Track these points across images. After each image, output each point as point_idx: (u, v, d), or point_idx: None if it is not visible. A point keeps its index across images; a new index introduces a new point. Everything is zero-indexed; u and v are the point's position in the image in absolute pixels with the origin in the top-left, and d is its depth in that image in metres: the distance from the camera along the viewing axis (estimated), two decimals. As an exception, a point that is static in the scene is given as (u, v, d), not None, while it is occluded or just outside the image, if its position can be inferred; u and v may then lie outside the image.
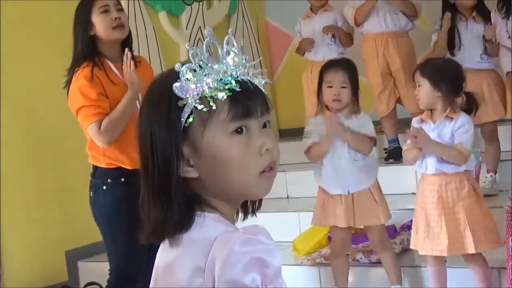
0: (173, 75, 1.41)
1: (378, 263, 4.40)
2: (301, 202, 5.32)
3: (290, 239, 4.89)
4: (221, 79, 1.41)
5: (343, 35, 5.70)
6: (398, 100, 5.53)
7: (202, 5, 6.45)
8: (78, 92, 3.55)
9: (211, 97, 1.38)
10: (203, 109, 1.37)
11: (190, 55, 1.41)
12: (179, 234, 1.40)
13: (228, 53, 1.45)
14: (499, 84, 4.96)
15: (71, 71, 3.64)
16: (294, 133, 6.41)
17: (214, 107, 1.38)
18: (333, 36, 5.67)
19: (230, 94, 1.39)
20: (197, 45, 6.21)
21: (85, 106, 3.55)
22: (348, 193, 4.11)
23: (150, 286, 1.50)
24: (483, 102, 4.60)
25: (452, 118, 3.78)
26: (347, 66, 4.16)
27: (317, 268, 4.64)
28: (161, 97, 1.42)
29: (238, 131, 1.40)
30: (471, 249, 3.73)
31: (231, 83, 1.41)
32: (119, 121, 3.57)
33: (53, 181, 5.17)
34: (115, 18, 3.65)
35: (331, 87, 4.08)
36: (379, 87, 5.48)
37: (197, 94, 1.38)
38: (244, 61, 1.46)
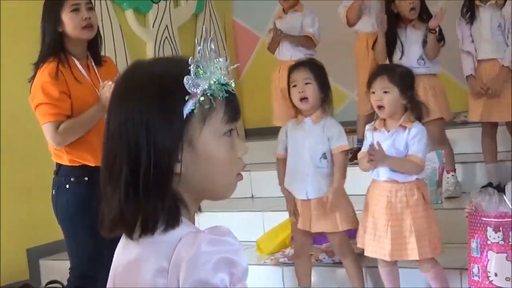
0: (177, 69, 1.40)
1: (340, 263, 4.41)
2: (266, 202, 5.33)
3: (254, 239, 4.89)
4: (219, 79, 1.42)
5: (299, 41, 5.65)
6: None
7: (169, 4, 6.44)
8: (40, 88, 3.52)
9: (212, 95, 1.39)
10: (205, 106, 1.38)
11: (198, 52, 1.40)
12: (167, 230, 1.37)
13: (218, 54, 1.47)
14: (437, 88, 4.99)
15: (37, 66, 3.61)
16: (260, 133, 6.44)
17: (214, 105, 1.39)
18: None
19: (227, 95, 1.41)
20: (163, 44, 6.25)
21: (45, 104, 3.52)
22: (307, 198, 4.13)
23: (108, 285, 1.49)
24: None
25: (406, 127, 3.80)
26: (311, 65, 4.17)
27: (281, 268, 4.65)
28: (165, 89, 1.40)
29: (227, 133, 1.43)
30: (414, 256, 3.79)
31: (228, 85, 1.42)
32: (80, 128, 3.55)
33: (15, 178, 5.12)
34: (85, 18, 3.62)
35: (295, 86, 4.09)
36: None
37: (204, 91, 1.38)
38: (227, 63, 1.46)
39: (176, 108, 1.38)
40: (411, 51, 4.98)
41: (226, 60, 1.45)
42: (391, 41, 5.04)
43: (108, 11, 5.84)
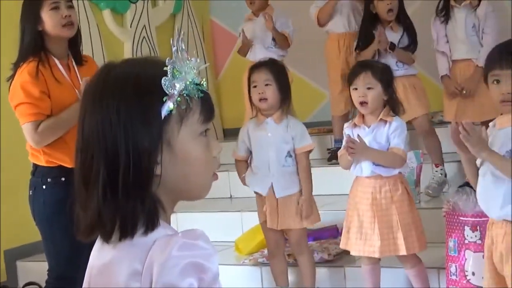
0: (154, 70, 1.41)
1: (318, 262, 4.43)
2: (244, 202, 5.32)
3: (233, 239, 4.89)
4: (193, 79, 1.42)
5: (277, 36, 5.63)
6: None
7: (147, 4, 6.42)
8: (20, 87, 3.50)
9: (188, 95, 1.39)
10: (182, 107, 1.38)
11: (174, 54, 1.40)
12: (146, 233, 1.37)
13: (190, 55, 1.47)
14: (417, 86, 5.03)
15: (16, 65, 3.58)
16: (238, 133, 6.43)
17: (191, 106, 1.40)
18: (273, 39, 5.66)
19: (202, 95, 1.41)
20: (141, 44, 6.23)
21: (25, 103, 3.50)
22: (275, 197, 4.14)
23: (84, 285, 1.48)
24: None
25: (386, 121, 3.82)
26: (271, 66, 4.17)
27: (259, 268, 4.65)
28: (143, 90, 1.39)
29: (203, 133, 1.44)
30: (403, 251, 3.80)
31: (201, 84, 1.43)
32: (60, 128, 3.53)
33: (-9, 180, 5.09)
34: (65, 16, 3.60)
35: (255, 86, 4.10)
36: (339, 87, 5.50)
37: (180, 91, 1.38)
38: (198, 63, 1.47)
39: (154, 109, 1.38)
40: (388, 54, 5.00)
41: (197, 60, 1.45)
42: (369, 43, 5.04)
43: (85, 11, 5.82)
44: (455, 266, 3.83)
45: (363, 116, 3.89)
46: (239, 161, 4.29)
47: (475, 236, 3.74)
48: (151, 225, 1.37)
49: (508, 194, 3.03)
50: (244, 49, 5.75)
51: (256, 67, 4.20)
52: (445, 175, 5.07)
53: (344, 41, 5.50)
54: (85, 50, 5.37)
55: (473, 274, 3.75)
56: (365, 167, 3.84)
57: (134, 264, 1.35)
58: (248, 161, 4.26)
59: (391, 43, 4.93)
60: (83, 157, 1.40)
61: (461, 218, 3.79)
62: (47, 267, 3.71)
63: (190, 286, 1.31)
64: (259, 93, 4.06)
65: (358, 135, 3.77)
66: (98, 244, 1.46)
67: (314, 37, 5.77)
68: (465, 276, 3.78)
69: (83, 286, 1.49)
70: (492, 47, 4.75)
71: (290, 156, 4.12)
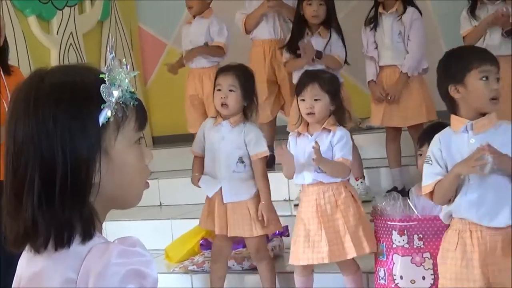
0: (90, 77, 1.40)
1: (250, 269, 4.43)
2: (174, 210, 5.31)
3: (163, 247, 4.86)
4: (128, 87, 1.42)
5: (210, 52, 5.60)
6: (281, 108, 5.58)
7: (74, 10, 6.33)
8: None
9: (124, 103, 1.39)
10: (119, 114, 1.38)
11: (110, 61, 1.40)
12: (83, 242, 1.36)
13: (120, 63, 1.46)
14: (344, 95, 5.02)
15: None
16: (167, 140, 6.41)
17: (127, 114, 1.40)
18: (205, 44, 5.64)
19: (136, 103, 1.42)
20: (68, 51, 6.15)
21: None
22: (223, 202, 4.12)
23: None
24: None
25: (329, 130, 3.86)
26: (238, 71, 4.15)
27: (190, 276, 4.64)
28: (80, 98, 1.38)
29: (137, 141, 1.45)
30: (352, 253, 3.82)
31: (134, 92, 1.43)
32: None
33: None
34: None
35: (219, 90, 4.09)
36: (264, 94, 5.50)
37: (117, 99, 1.38)
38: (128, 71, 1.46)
39: (92, 117, 1.37)
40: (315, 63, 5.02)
41: (128, 68, 1.45)
42: (295, 49, 5.06)
43: (10, 17, 5.71)
44: (384, 270, 3.85)
45: (307, 124, 3.93)
46: (196, 157, 4.25)
47: (403, 240, 3.77)
48: (88, 235, 1.36)
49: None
50: (175, 70, 5.74)
51: (223, 70, 4.19)
52: (366, 187, 5.13)
53: (270, 48, 5.49)
54: (11, 57, 5.28)
55: (401, 278, 3.78)
56: (307, 175, 3.87)
57: (68, 273, 1.33)
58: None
59: (317, 51, 4.95)
60: (15, 166, 1.38)
61: (389, 222, 3.81)
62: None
63: None
64: (221, 98, 4.06)
65: (316, 142, 3.78)
66: (27, 255, 1.43)
67: (240, 44, 5.75)
68: (393, 280, 3.80)
69: None
70: (417, 53, 4.88)
71: (242, 162, 4.10)
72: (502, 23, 4.67)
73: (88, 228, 1.37)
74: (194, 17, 5.68)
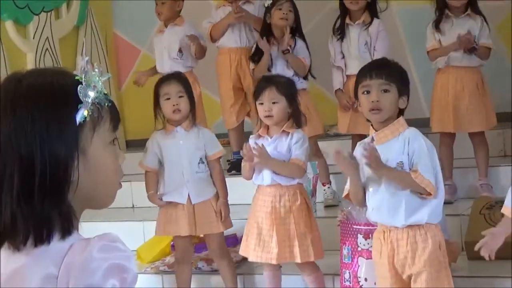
0: (66, 79, 1.41)
1: (215, 270, 4.44)
2: (146, 212, 5.29)
3: (135, 248, 4.85)
4: (102, 89, 1.43)
5: (198, 47, 5.58)
6: (247, 114, 5.59)
7: (51, 15, 6.29)
8: None
9: (99, 104, 1.41)
10: (95, 115, 1.39)
11: (85, 63, 1.41)
12: (63, 239, 1.36)
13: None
14: (309, 103, 5.04)
15: None
16: (141, 144, 6.36)
17: (102, 114, 1.41)
18: (180, 50, 5.63)
19: (110, 104, 1.43)
20: (44, 55, 6.11)
21: None
22: (191, 203, 4.13)
23: None
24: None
25: (288, 133, 3.88)
26: (181, 78, 4.23)
27: (161, 276, 4.64)
28: (57, 99, 1.39)
29: (112, 142, 1.47)
30: (298, 259, 3.85)
31: (108, 94, 1.44)
32: None
33: None
34: None
35: (169, 99, 4.11)
36: (230, 100, 5.52)
37: (93, 99, 1.39)
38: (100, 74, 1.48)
39: (69, 117, 1.38)
40: (285, 66, 5.04)
41: (100, 70, 1.46)
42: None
43: (-14, 23, 5.68)
44: (349, 272, 3.88)
45: (267, 127, 3.95)
46: (149, 172, 4.27)
47: (368, 243, 3.80)
48: (67, 231, 1.37)
49: (410, 204, 3.18)
50: (142, 80, 5.75)
51: (166, 79, 4.23)
52: (333, 192, 5.14)
53: (236, 56, 5.50)
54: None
55: (366, 280, 3.81)
56: (266, 176, 3.90)
57: (49, 268, 1.33)
58: (158, 174, 4.24)
59: (285, 50, 4.98)
60: None
61: (354, 226, 3.85)
62: None
63: (112, 286, 1.31)
64: (174, 105, 4.09)
65: (262, 144, 3.84)
66: (5, 252, 1.41)
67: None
68: (358, 282, 3.84)
69: None
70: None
71: (203, 162, 4.17)
72: (465, 46, 4.73)
73: (68, 225, 1.37)
74: (166, 26, 5.67)
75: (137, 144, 6.38)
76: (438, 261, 3.23)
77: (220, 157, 4.26)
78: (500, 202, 4.26)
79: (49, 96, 1.39)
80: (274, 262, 3.90)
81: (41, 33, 6.19)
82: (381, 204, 3.24)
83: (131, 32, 6.94)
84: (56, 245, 1.35)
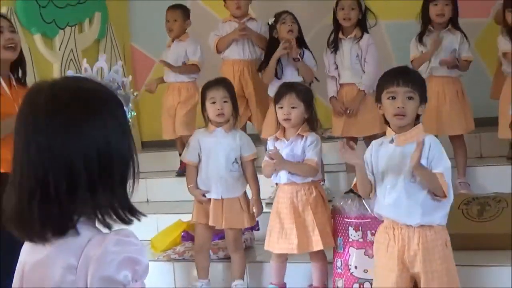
0: (108, 89, 1.44)
1: (224, 259, 4.43)
2: (159, 206, 5.31)
3: (149, 238, 4.85)
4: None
5: (186, 71, 5.62)
6: (249, 118, 5.59)
7: (74, 29, 6.31)
8: None
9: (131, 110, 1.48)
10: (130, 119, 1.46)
11: (112, 75, 1.45)
12: (86, 232, 1.37)
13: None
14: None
15: None
16: (154, 145, 6.40)
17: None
18: (184, 63, 5.66)
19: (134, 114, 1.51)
20: (68, 65, 6.11)
21: None
22: (221, 198, 4.13)
23: (15, 281, 1.45)
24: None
25: (303, 136, 3.88)
26: (227, 84, 4.21)
27: (172, 263, 4.63)
28: (116, 106, 1.41)
29: None
30: (319, 246, 3.84)
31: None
32: None
33: None
34: (8, 39, 3.52)
35: (214, 102, 4.11)
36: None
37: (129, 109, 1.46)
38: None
39: (127, 122, 1.44)
40: (294, 73, 5.02)
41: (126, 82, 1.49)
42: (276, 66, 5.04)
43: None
44: (341, 261, 3.88)
45: (284, 130, 3.95)
46: (190, 166, 4.23)
47: (358, 235, 3.81)
48: (106, 224, 1.40)
49: (425, 205, 3.10)
50: (152, 87, 5.73)
51: (215, 84, 4.19)
52: (327, 189, 5.12)
53: (238, 67, 5.51)
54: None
55: (356, 267, 3.82)
56: (283, 176, 3.90)
57: (69, 260, 1.33)
58: (197, 168, 4.21)
59: (297, 57, 4.96)
60: (48, 167, 1.35)
61: (346, 219, 3.85)
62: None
63: (125, 278, 1.33)
64: (218, 109, 4.08)
65: (275, 147, 3.86)
66: (29, 245, 1.44)
67: (213, 61, 5.75)
68: (349, 269, 3.84)
69: (13, 282, 1.45)
70: (373, 73, 4.92)
71: (237, 162, 4.14)
72: (448, 65, 4.75)
73: (107, 219, 1.40)
74: (172, 40, 5.69)
75: (151, 145, 6.40)
76: (446, 258, 3.16)
77: (254, 159, 4.19)
78: (477, 199, 4.29)
79: (106, 101, 1.41)
80: (295, 252, 3.88)
81: (66, 45, 6.20)
82: (399, 203, 3.14)
83: (146, 45, 6.96)
84: (76, 239, 1.36)
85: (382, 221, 3.34)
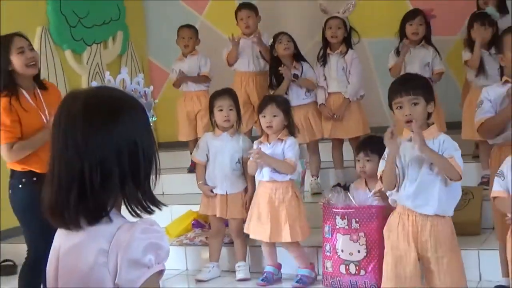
0: (133, 97, 1.44)
1: (228, 243, 4.47)
2: (173, 198, 5.31)
3: (164, 225, 4.83)
4: None
5: (199, 80, 5.65)
6: (255, 122, 5.62)
7: (100, 46, 6.35)
8: None
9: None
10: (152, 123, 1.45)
11: (134, 86, 1.48)
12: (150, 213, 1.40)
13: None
14: (318, 112, 5.14)
15: None
16: (169, 146, 6.45)
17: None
18: (198, 74, 5.68)
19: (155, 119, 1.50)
20: (94, 77, 6.15)
21: (1, 130, 3.47)
22: (226, 193, 4.21)
23: (49, 263, 1.44)
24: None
25: (282, 140, 3.96)
26: (232, 94, 4.26)
27: (184, 248, 4.66)
28: (141, 111, 1.41)
29: None
30: (287, 239, 3.91)
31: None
32: (30, 148, 3.48)
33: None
34: (29, 58, 3.53)
35: (221, 110, 4.17)
36: (242, 111, 5.55)
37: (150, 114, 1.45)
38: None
39: (148, 122, 1.44)
40: (294, 91, 5.02)
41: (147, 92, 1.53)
42: (281, 80, 5.02)
43: (51, 51, 5.75)
44: (329, 245, 3.92)
45: (267, 135, 4.03)
46: (199, 165, 4.32)
47: (344, 223, 3.85)
48: (136, 213, 1.40)
49: (441, 197, 3.02)
50: (178, 84, 5.77)
51: (222, 94, 4.24)
52: (318, 183, 5.14)
53: (244, 78, 5.48)
54: (52, 80, 5.31)
55: (342, 251, 3.86)
56: (265, 173, 3.96)
57: (102, 244, 1.33)
58: (205, 166, 4.29)
59: (294, 74, 4.96)
60: (91, 163, 1.34)
61: (333, 209, 3.89)
62: (26, 248, 3.63)
63: (149, 261, 1.33)
64: (225, 116, 4.15)
65: (260, 147, 3.93)
66: (62, 231, 1.42)
67: (227, 73, 5.79)
68: (336, 252, 3.89)
69: (47, 267, 1.44)
70: (356, 83, 4.96)
71: (239, 162, 4.21)
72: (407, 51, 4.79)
73: (151, 203, 1.42)
74: (185, 55, 5.72)
75: (167, 146, 6.42)
76: (453, 244, 3.11)
77: None
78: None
79: (132, 105, 1.41)
80: (266, 240, 3.97)
81: (93, 60, 6.23)
82: (418, 193, 3.03)
83: (161, 58, 6.97)
84: (107, 226, 1.35)
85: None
